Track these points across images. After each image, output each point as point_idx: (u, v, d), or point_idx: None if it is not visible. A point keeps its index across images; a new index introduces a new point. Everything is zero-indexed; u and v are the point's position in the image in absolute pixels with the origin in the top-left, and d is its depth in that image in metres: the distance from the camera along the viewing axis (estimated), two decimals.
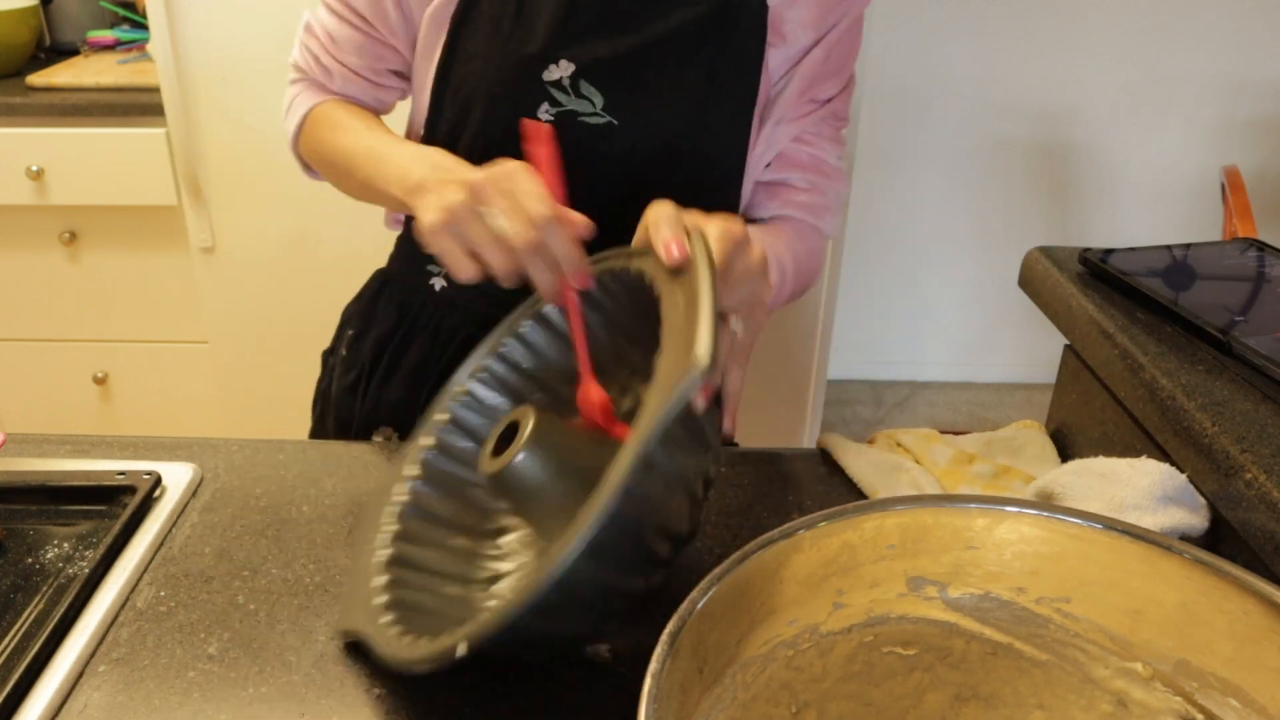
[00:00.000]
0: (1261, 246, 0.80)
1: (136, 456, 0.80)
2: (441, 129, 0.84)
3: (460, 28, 0.81)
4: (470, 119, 0.82)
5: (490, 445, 0.59)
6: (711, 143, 0.82)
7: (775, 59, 0.83)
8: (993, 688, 0.48)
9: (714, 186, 0.84)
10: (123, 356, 1.90)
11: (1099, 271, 0.77)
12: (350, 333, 0.98)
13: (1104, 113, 2.42)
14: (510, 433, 0.59)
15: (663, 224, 0.57)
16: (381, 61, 0.87)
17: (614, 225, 0.80)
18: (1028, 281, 0.84)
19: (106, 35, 1.98)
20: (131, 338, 1.88)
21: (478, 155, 0.80)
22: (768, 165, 0.88)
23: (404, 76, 0.89)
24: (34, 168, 1.68)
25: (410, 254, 0.92)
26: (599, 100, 0.79)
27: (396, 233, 0.95)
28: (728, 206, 0.85)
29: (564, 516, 0.56)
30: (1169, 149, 2.46)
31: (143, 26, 1.97)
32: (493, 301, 0.85)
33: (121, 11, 2.02)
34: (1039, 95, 2.40)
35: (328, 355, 1.01)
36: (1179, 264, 0.79)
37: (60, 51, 1.99)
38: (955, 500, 0.48)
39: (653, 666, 0.38)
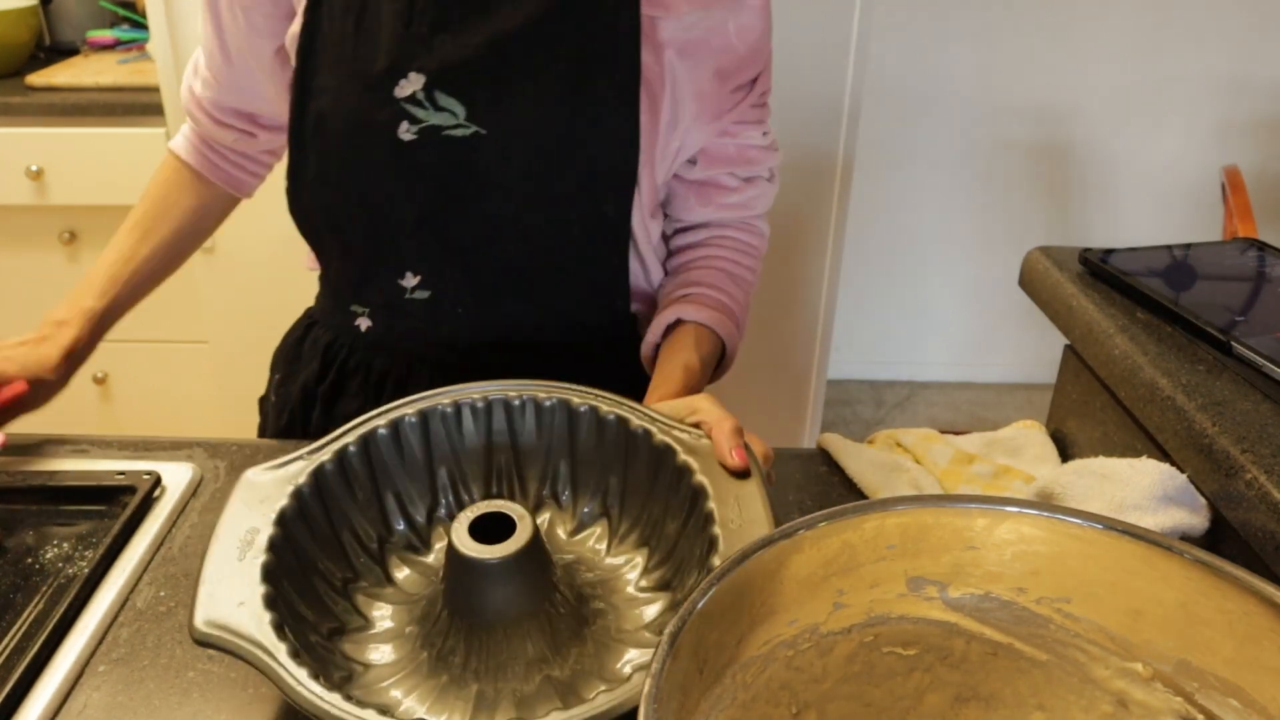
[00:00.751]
0: (1262, 246, 0.80)
1: (136, 456, 0.80)
2: (310, 171, 0.80)
3: (307, 59, 0.76)
4: (333, 154, 0.77)
5: (464, 525, 0.57)
6: (594, 139, 0.76)
7: (667, 30, 0.76)
8: (993, 688, 0.48)
9: (606, 189, 0.78)
10: (122, 356, 1.89)
11: (1099, 271, 0.77)
12: (277, 377, 0.96)
13: (1104, 112, 2.42)
14: (490, 521, 0.58)
15: (727, 431, 0.62)
16: (229, 94, 0.88)
17: (500, 241, 0.79)
18: (1028, 281, 0.84)
19: (106, 35, 1.97)
20: (131, 338, 1.87)
21: (348, 190, 0.79)
22: (691, 161, 0.84)
23: (252, 119, 0.90)
24: (34, 167, 1.68)
25: (333, 295, 0.89)
26: (460, 110, 0.73)
27: (317, 273, 0.93)
28: (622, 211, 0.80)
29: (493, 633, 0.56)
30: (1169, 149, 2.46)
31: (143, 26, 1.96)
32: (421, 342, 0.85)
33: (121, 11, 2.02)
34: (1039, 95, 2.40)
35: (262, 401, 1.00)
36: (1179, 264, 0.79)
37: (60, 51, 1.99)
38: (955, 500, 0.48)
39: (653, 667, 0.38)
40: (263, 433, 1.00)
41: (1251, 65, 2.36)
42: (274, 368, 0.98)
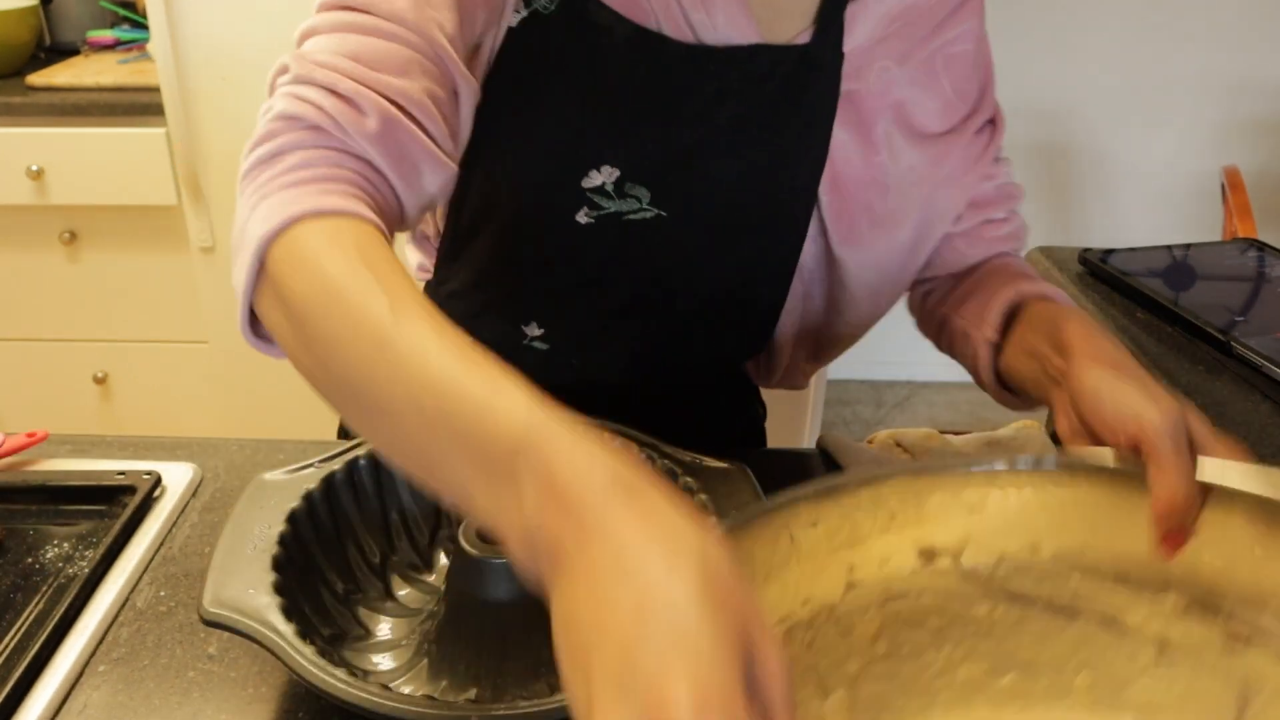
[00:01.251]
0: (1261, 247, 0.80)
1: (136, 456, 0.80)
2: (465, 219, 0.71)
3: (505, 95, 0.63)
4: (494, 214, 0.69)
5: (472, 528, 0.57)
6: (773, 218, 0.71)
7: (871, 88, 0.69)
8: (1028, 654, 0.47)
9: (772, 260, 0.74)
10: (123, 356, 1.90)
11: (1099, 271, 0.77)
12: None
13: (1104, 113, 2.42)
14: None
15: (1181, 497, 0.44)
16: (441, 88, 0.56)
17: (646, 313, 0.75)
18: None
19: (106, 35, 1.98)
20: (131, 337, 1.88)
21: (498, 260, 0.71)
22: (959, 218, 0.75)
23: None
24: (34, 167, 1.68)
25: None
26: (645, 196, 0.67)
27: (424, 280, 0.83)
28: (784, 271, 0.74)
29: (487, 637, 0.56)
30: (1169, 149, 2.46)
31: (143, 26, 1.97)
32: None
33: (121, 11, 2.02)
34: (1039, 95, 2.40)
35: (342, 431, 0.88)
36: (1179, 264, 0.79)
37: (60, 51, 1.99)
38: (946, 467, 0.47)
39: None
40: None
41: (1251, 66, 2.36)
42: None
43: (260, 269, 0.48)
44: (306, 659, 0.50)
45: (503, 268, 0.73)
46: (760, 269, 0.74)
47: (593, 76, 0.63)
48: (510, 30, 0.61)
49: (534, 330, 0.76)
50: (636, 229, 0.68)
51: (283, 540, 0.58)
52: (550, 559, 0.36)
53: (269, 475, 0.64)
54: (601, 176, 0.66)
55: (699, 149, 0.67)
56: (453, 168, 0.57)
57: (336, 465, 0.65)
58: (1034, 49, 2.36)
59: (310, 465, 0.64)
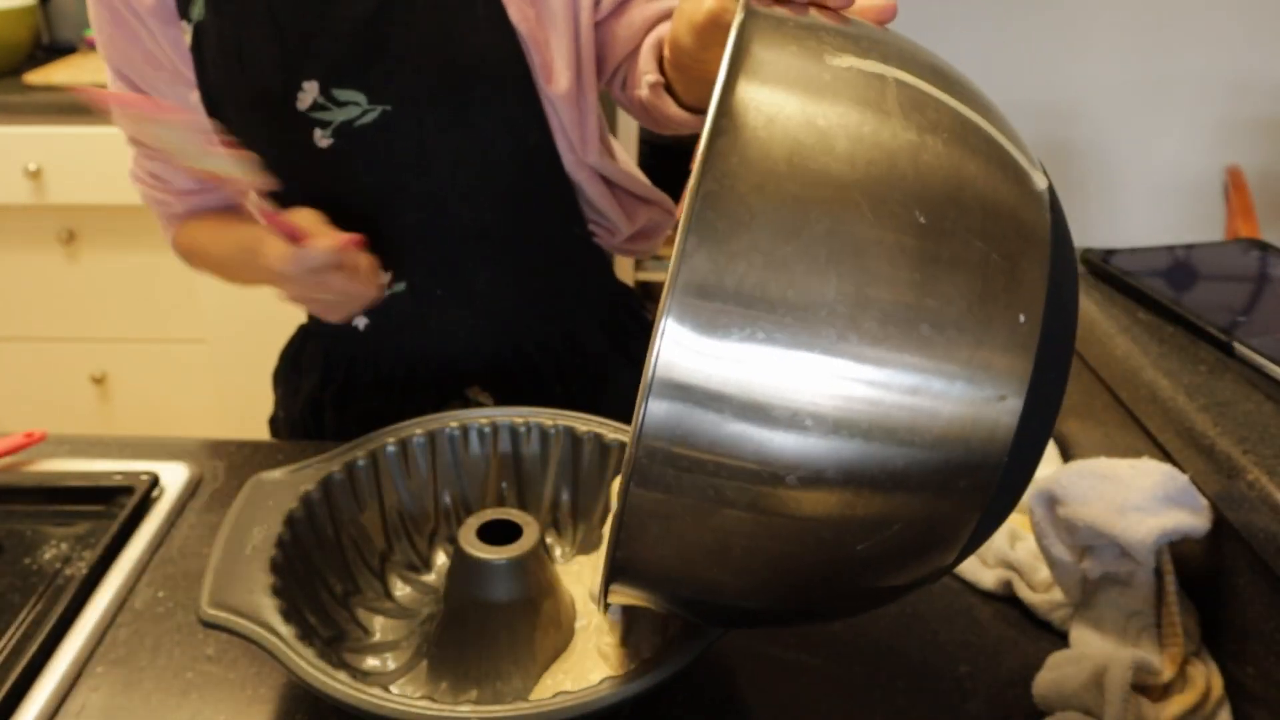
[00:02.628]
0: (1264, 247, 0.80)
1: (134, 457, 0.80)
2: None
3: (215, 112, 0.78)
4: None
5: (471, 530, 0.58)
6: (485, 73, 0.75)
7: None
8: None
9: (512, 107, 0.77)
10: (121, 356, 1.89)
11: (1101, 271, 0.77)
12: (280, 393, 0.96)
13: (1106, 112, 2.42)
14: (497, 528, 0.58)
15: None
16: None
17: (447, 212, 0.79)
18: None
19: None
20: (130, 337, 1.87)
21: (294, 206, 0.79)
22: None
23: None
24: (32, 167, 1.68)
25: None
26: (361, 97, 0.75)
27: None
28: (544, 133, 0.79)
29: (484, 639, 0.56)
30: (1171, 148, 2.46)
31: None
32: (417, 336, 0.85)
33: None
34: (1040, 94, 2.40)
35: (272, 421, 0.99)
36: (1181, 264, 0.79)
37: (58, 50, 1.99)
38: None
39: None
40: (282, 419, 0.99)
41: (1254, 65, 2.36)
42: (276, 386, 0.97)
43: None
44: (307, 662, 0.50)
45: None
46: (504, 125, 0.77)
47: (248, 15, 0.74)
48: (191, 47, 0.76)
49: (384, 277, 0.82)
50: (375, 134, 0.75)
51: (281, 542, 0.58)
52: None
53: (266, 476, 0.63)
54: (308, 93, 0.75)
55: (374, 32, 0.74)
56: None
57: (335, 466, 0.64)
58: (1036, 48, 2.36)
59: (308, 466, 0.64)
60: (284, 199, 0.79)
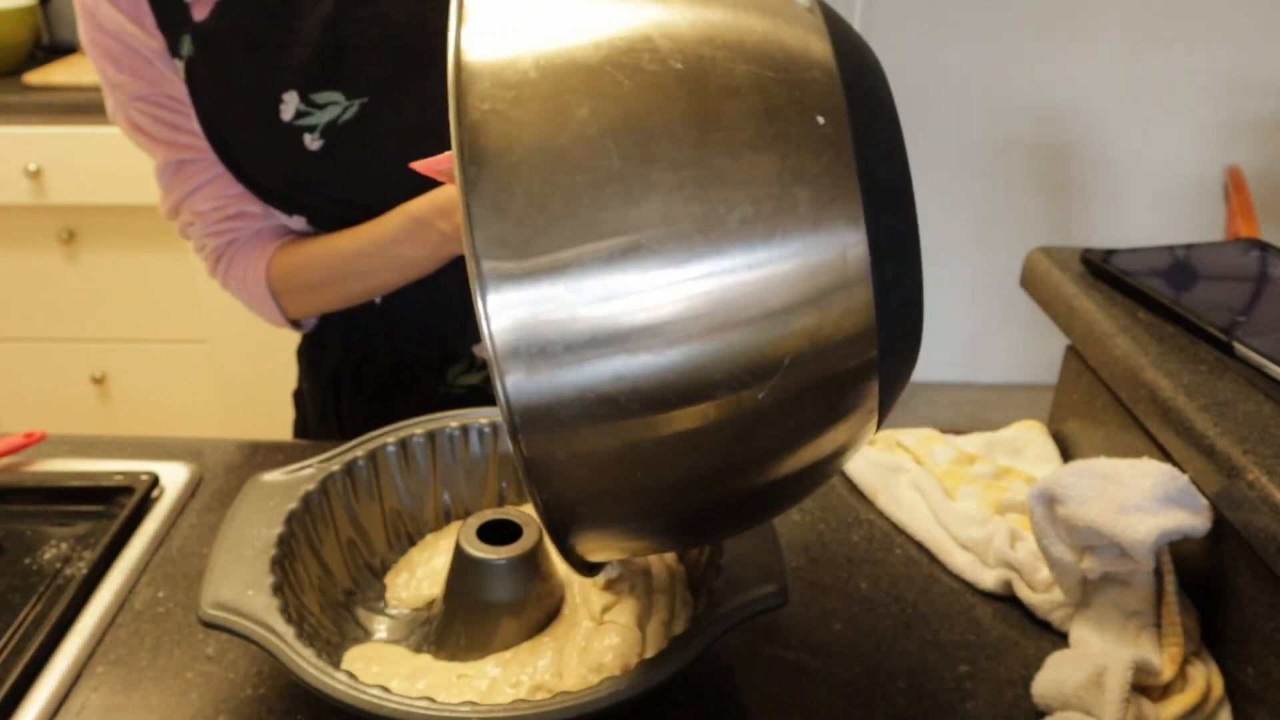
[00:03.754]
0: (1264, 246, 0.80)
1: (134, 457, 0.80)
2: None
3: (215, 135, 0.79)
4: (276, 195, 0.82)
5: (472, 529, 0.58)
6: (444, 42, 0.78)
7: None
8: None
9: None
10: (121, 356, 1.89)
11: (1101, 271, 0.77)
12: (304, 365, 0.99)
13: (1106, 112, 2.42)
14: (497, 528, 0.58)
15: None
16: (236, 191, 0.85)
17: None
18: (1029, 281, 0.83)
19: None
20: (130, 337, 1.87)
21: (298, 208, 0.82)
22: None
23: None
24: (32, 167, 1.68)
25: None
26: (338, 95, 0.77)
27: None
28: None
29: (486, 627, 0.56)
30: (1171, 148, 2.46)
31: None
32: (428, 305, 0.88)
33: None
34: (1040, 94, 2.40)
35: (296, 395, 1.02)
36: (1181, 264, 0.79)
37: (58, 50, 1.99)
38: None
39: None
40: (300, 425, 1.02)
41: (1254, 64, 2.36)
42: (299, 359, 1.00)
43: (280, 307, 0.89)
44: (307, 662, 0.50)
45: (314, 225, 0.84)
46: None
47: (230, 43, 0.76)
48: (185, 80, 0.78)
49: None
50: (359, 127, 0.77)
51: (281, 541, 0.58)
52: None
53: (267, 476, 0.63)
54: (289, 104, 0.77)
55: (337, 31, 0.76)
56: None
57: (335, 466, 0.64)
58: (1036, 48, 2.36)
59: (309, 466, 0.64)
60: (289, 204, 0.82)
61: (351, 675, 0.49)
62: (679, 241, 0.35)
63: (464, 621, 0.57)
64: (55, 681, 0.58)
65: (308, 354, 0.99)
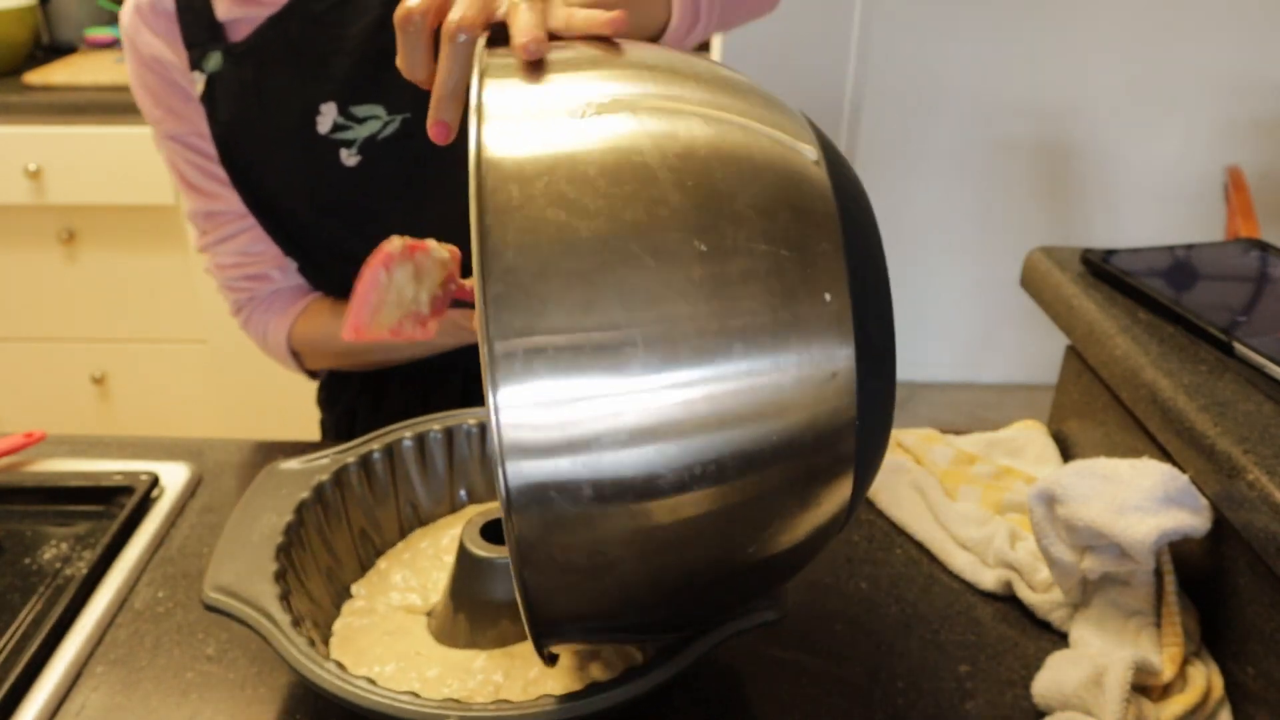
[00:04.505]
0: (1264, 247, 0.80)
1: (134, 456, 0.80)
2: (293, 233, 0.83)
3: (233, 156, 0.78)
4: (300, 211, 0.80)
5: (475, 527, 0.58)
6: None
7: None
8: None
9: None
10: (121, 356, 1.89)
11: (1101, 271, 0.77)
12: (322, 397, 0.99)
13: (1106, 112, 2.42)
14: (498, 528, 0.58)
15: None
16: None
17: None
18: (1029, 281, 0.83)
19: (105, 34, 1.97)
20: (130, 337, 1.87)
21: (336, 256, 0.81)
22: None
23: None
24: (32, 167, 1.68)
25: None
26: (380, 109, 0.75)
27: None
28: None
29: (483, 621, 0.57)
30: (1171, 148, 2.46)
31: None
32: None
33: (119, 10, 2.02)
34: (1040, 94, 2.40)
35: (321, 423, 1.02)
36: (1181, 264, 0.79)
37: (58, 50, 1.99)
38: None
39: None
40: (326, 425, 1.02)
41: (1255, 64, 2.36)
42: (321, 391, 0.99)
43: (300, 364, 0.91)
44: (298, 649, 0.50)
45: (342, 259, 0.80)
46: None
47: (269, 55, 0.74)
48: (202, 96, 0.77)
49: None
50: (400, 144, 0.75)
51: (289, 530, 0.58)
52: None
53: (284, 464, 0.64)
54: (327, 117, 0.75)
55: (381, 40, 0.73)
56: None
57: (350, 458, 0.65)
58: (1037, 48, 2.36)
59: (325, 456, 0.65)
60: (317, 221, 0.81)
61: (340, 666, 0.49)
62: (689, 405, 0.37)
63: (467, 618, 0.57)
64: (55, 681, 0.58)
65: (326, 386, 0.98)
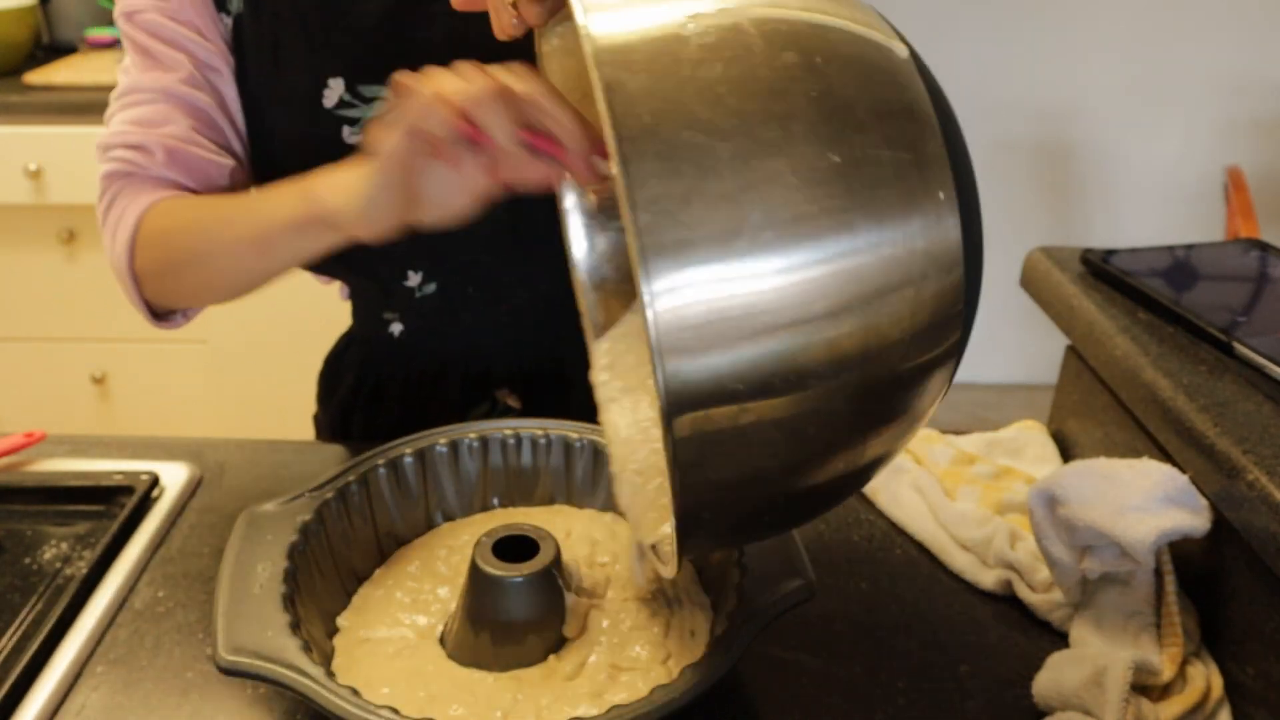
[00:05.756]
0: (1264, 247, 0.80)
1: (134, 456, 0.80)
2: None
3: (251, 114, 0.77)
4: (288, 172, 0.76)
5: (487, 546, 0.58)
6: (510, 53, 0.71)
7: None
8: None
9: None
10: (121, 356, 1.89)
11: (1101, 272, 0.77)
12: (321, 392, 0.97)
13: (1106, 112, 2.42)
14: (512, 544, 0.58)
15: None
16: (206, 126, 0.77)
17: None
18: (1029, 281, 0.83)
19: (105, 34, 1.97)
20: (130, 337, 1.87)
21: None
22: None
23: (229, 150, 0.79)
24: (32, 167, 1.68)
25: (365, 306, 0.90)
26: (387, 92, 0.75)
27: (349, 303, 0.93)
28: None
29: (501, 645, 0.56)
30: (1171, 148, 2.46)
31: None
32: (449, 339, 0.85)
33: None
34: (1040, 94, 2.40)
35: (315, 418, 1.00)
36: (1181, 264, 0.79)
37: (58, 50, 1.99)
38: None
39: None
40: (320, 423, 1.00)
41: (1255, 64, 2.36)
42: (319, 386, 0.98)
43: (133, 272, 0.81)
44: (345, 700, 0.48)
45: None
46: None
47: (280, 10, 0.74)
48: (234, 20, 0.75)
49: (414, 279, 0.81)
50: None
51: (288, 577, 0.56)
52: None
53: (259, 509, 0.61)
54: (334, 91, 0.74)
55: (396, 25, 0.72)
56: (237, 161, 0.78)
57: (329, 493, 0.63)
58: (1037, 48, 2.36)
59: (301, 495, 0.63)
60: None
61: (395, 711, 0.47)
62: (819, 225, 0.38)
63: (480, 639, 0.57)
64: (55, 681, 0.58)
65: (323, 380, 0.97)
